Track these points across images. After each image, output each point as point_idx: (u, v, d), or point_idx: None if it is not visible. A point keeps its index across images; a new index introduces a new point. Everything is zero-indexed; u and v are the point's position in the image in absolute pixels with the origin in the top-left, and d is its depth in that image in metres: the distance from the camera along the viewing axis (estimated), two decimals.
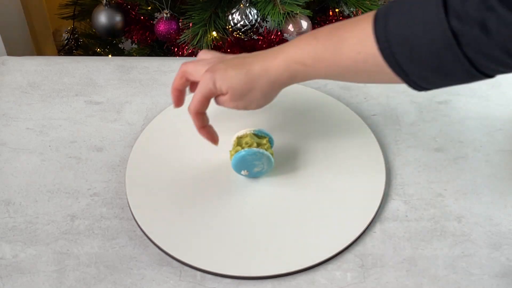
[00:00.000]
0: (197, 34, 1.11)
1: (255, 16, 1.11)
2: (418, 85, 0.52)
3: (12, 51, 1.30)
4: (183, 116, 0.75)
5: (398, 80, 0.53)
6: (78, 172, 0.68)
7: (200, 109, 0.62)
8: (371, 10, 1.15)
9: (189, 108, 0.62)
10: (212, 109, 0.76)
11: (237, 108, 0.62)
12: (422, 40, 0.48)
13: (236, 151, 0.63)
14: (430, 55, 0.48)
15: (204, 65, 0.62)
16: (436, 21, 0.47)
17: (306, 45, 0.58)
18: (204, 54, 0.66)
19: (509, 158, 0.70)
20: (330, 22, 1.23)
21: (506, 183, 0.67)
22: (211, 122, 0.75)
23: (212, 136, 0.65)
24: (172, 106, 0.76)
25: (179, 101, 0.66)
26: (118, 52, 1.40)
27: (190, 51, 1.17)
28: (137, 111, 0.76)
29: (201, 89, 0.61)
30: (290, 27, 1.14)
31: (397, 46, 0.50)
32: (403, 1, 0.51)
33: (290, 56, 0.58)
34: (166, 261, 0.60)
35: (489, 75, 0.49)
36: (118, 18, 1.24)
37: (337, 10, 1.23)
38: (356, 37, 0.54)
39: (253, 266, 0.59)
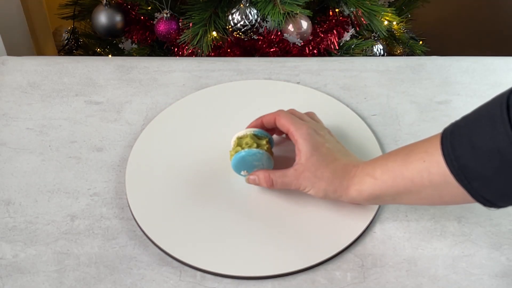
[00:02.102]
0: (197, 34, 1.11)
1: (255, 16, 1.10)
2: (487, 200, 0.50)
3: (12, 51, 1.30)
4: (183, 116, 0.75)
5: (467, 198, 0.51)
6: (78, 172, 0.68)
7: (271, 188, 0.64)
8: (371, 10, 1.16)
9: (259, 183, 0.64)
10: (212, 108, 0.76)
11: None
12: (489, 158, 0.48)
13: (236, 152, 0.63)
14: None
15: (297, 123, 0.63)
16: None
17: (379, 158, 0.59)
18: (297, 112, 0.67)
19: None
20: (330, 22, 1.23)
21: None
22: (210, 122, 0.75)
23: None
24: (172, 106, 0.76)
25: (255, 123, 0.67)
26: (118, 52, 1.40)
27: (190, 51, 1.16)
28: (137, 111, 0.76)
29: (285, 183, 0.62)
30: (290, 27, 1.14)
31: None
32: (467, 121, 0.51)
33: (365, 171, 0.59)
34: (166, 261, 0.60)
35: None
36: (118, 18, 1.24)
37: (337, 10, 1.23)
38: (423, 147, 0.54)
39: (253, 266, 0.59)
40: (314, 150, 0.61)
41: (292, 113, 0.67)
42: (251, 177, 0.64)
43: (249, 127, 0.67)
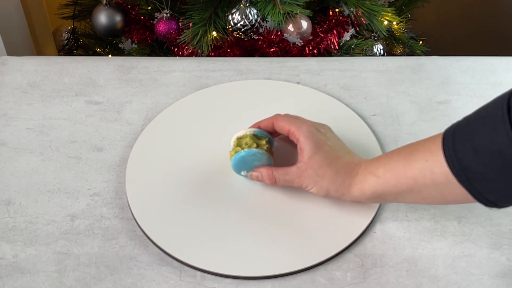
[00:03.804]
0: (197, 34, 1.11)
1: (255, 16, 1.10)
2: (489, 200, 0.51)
3: (12, 51, 1.30)
4: (183, 116, 0.75)
5: (469, 198, 0.51)
6: (78, 172, 0.68)
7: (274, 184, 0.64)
8: (371, 10, 1.16)
9: (262, 179, 0.64)
10: (212, 108, 0.76)
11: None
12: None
13: (236, 152, 0.63)
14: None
15: (297, 122, 0.63)
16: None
17: (382, 157, 0.59)
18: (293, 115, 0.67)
19: None
20: (330, 22, 1.23)
21: None
22: (210, 122, 0.75)
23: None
24: (172, 106, 0.76)
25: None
26: (118, 52, 1.40)
27: (190, 51, 1.16)
28: (137, 111, 0.76)
29: (288, 181, 0.62)
30: (290, 27, 1.14)
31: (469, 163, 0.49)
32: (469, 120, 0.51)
33: (368, 169, 0.59)
34: (166, 261, 0.60)
35: None
36: (118, 18, 1.24)
37: (337, 10, 1.23)
38: (426, 146, 0.54)
39: (253, 266, 0.59)
40: (317, 148, 0.61)
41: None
42: (254, 173, 0.64)
43: None
